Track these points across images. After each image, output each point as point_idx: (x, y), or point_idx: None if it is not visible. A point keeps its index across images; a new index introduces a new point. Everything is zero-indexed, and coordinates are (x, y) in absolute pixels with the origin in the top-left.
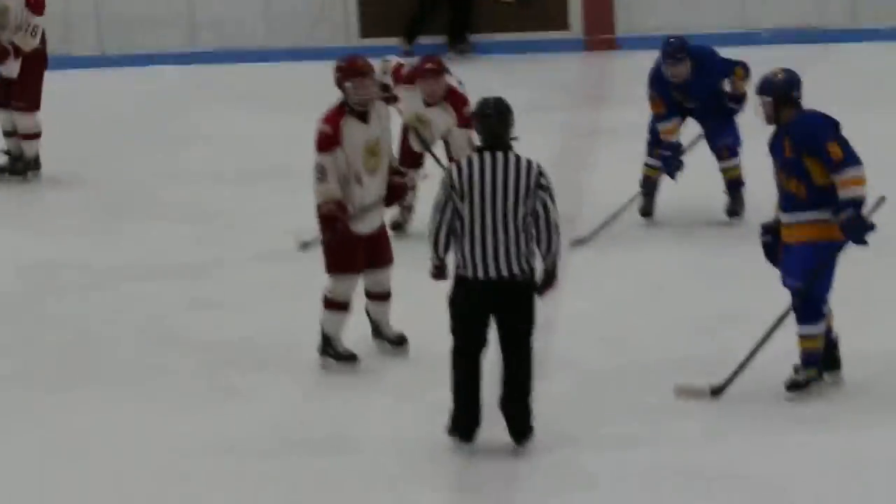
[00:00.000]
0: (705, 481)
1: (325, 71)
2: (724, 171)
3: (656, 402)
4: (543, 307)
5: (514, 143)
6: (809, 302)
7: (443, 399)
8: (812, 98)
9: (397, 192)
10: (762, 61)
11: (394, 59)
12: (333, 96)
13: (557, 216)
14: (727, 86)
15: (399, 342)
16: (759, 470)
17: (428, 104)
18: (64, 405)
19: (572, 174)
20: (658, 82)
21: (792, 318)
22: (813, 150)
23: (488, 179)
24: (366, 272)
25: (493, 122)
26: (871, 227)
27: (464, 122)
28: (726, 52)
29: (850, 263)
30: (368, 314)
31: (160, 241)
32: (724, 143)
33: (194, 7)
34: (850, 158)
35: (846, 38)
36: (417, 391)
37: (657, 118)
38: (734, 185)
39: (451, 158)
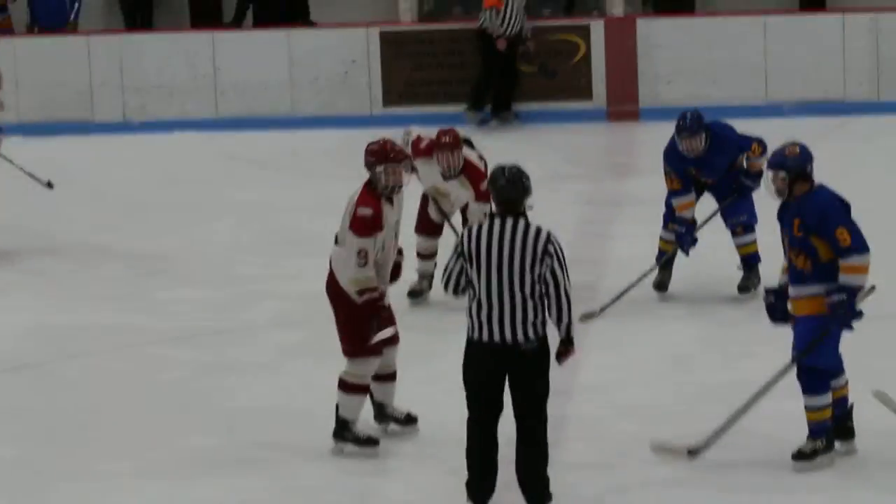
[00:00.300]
0: None
1: (349, 138)
2: (739, 247)
3: (671, 470)
4: (560, 375)
5: (529, 212)
6: (813, 373)
7: (461, 467)
8: (833, 169)
9: (397, 272)
10: (784, 134)
11: (414, 131)
12: (356, 164)
13: (568, 284)
14: (744, 162)
15: (408, 421)
16: None
17: (445, 177)
18: (82, 469)
19: (593, 244)
20: (673, 157)
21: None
22: (822, 233)
23: (495, 245)
24: None
25: (507, 189)
26: (858, 314)
27: (481, 196)
28: (749, 125)
29: (866, 335)
30: (372, 396)
31: (183, 307)
32: (740, 220)
33: (218, 74)
34: (858, 245)
35: (868, 110)
36: (435, 459)
37: (672, 193)
38: (750, 261)
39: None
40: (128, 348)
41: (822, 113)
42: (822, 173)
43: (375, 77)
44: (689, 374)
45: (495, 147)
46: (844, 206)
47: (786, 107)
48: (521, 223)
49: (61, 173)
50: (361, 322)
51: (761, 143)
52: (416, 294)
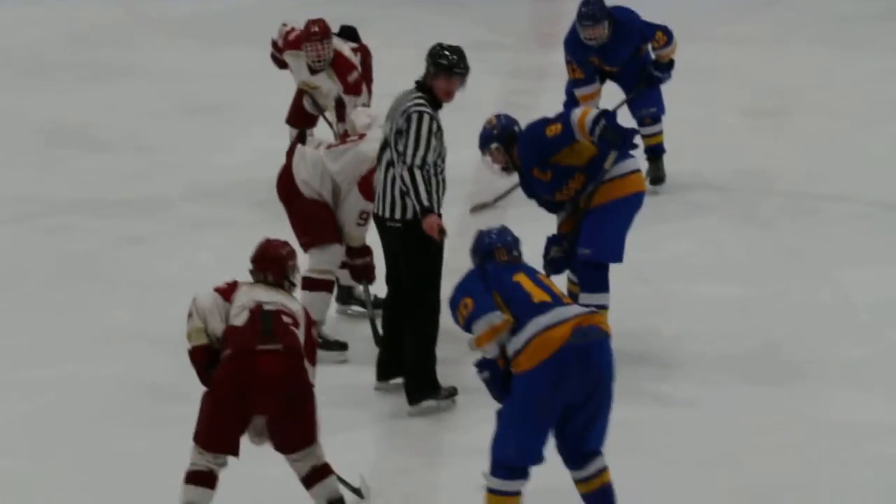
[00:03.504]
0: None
1: (266, 3)
2: (645, 137)
3: None
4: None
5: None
6: (594, 268)
7: None
8: (761, 47)
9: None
10: (706, 9)
11: (290, 24)
12: (271, 30)
13: (411, 158)
14: (650, 52)
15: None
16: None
17: (312, 70)
18: None
19: (517, 117)
20: (574, 46)
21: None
22: (549, 148)
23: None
24: None
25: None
26: (623, 130)
27: (349, 89)
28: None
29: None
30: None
31: (93, 176)
32: (649, 111)
33: None
34: (563, 116)
35: None
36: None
37: (574, 83)
38: (655, 152)
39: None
40: (37, 217)
41: None
42: (749, 52)
43: None
44: None
45: (409, 16)
46: (536, 122)
47: None
48: (406, 96)
49: None
50: (316, 210)
51: (666, 32)
52: None
